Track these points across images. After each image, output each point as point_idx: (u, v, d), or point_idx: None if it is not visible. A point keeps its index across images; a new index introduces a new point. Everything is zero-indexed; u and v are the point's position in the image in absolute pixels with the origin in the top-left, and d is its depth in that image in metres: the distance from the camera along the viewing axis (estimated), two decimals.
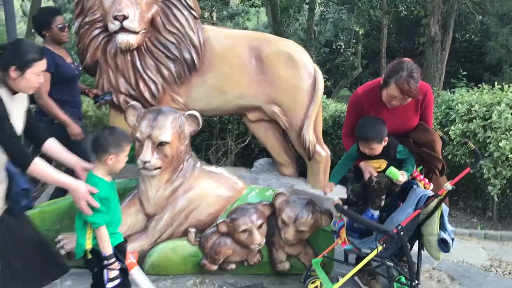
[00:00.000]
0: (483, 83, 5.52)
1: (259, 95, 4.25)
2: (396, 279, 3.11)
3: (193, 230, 3.24)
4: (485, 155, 4.76)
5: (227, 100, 4.30)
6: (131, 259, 2.69)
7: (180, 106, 4.29)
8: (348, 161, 3.14)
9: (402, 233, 2.73)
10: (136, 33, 4.01)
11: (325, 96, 5.74)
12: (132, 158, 4.27)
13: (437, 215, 2.85)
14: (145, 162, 3.07)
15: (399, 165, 2.93)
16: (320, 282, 2.95)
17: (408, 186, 3.03)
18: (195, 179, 3.28)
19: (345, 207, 3.04)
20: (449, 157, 4.95)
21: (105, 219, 2.35)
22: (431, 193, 2.85)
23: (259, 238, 3.05)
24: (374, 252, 2.78)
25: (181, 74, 4.26)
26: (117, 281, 2.36)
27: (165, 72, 4.23)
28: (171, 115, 3.17)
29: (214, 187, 3.29)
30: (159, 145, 3.10)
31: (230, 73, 4.23)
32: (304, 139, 4.23)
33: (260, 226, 3.09)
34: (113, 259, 2.35)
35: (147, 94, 4.27)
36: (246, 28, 15.70)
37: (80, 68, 3.87)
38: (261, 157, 5.52)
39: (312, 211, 3.09)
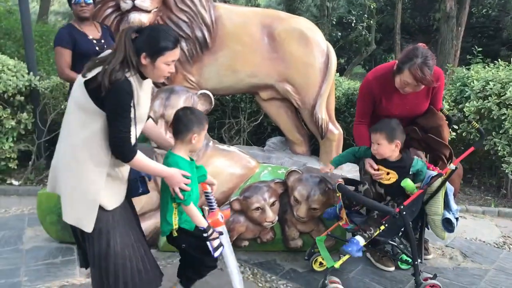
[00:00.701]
0: (499, 59, 5.40)
1: (271, 74, 4.22)
2: (399, 257, 3.10)
3: (207, 208, 3.26)
4: (500, 132, 4.69)
5: (239, 78, 4.28)
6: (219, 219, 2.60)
7: (192, 85, 4.28)
8: (352, 155, 3.06)
9: (404, 212, 2.72)
10: (148, 12, 3.98)
11: (338, 74, 5.68)
12: (145, 137, 4.35)
13: (441, 194, 2.82)
14: None
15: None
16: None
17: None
18: (208, 158, 3.29)
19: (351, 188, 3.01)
20: (463, 134, 4.90)
21: (192, 197, 2.35)
22: (435, 173, 2.82)
23: (271, 216, 3.07)
24: (377, 232, 2.76)
25: (193, 53, 4.24)
26: (221, 249, 2.37)
27: None
28: (184, 94, 3.18)
29: (227, 166, 3.31)
30: None
31: (242, 51, 4.20)
32: (316, 117, 4.21)
33: (272, 204, 3.11)
34: (211, 230, 2.35)
35: None
36: (258, 5, 15.50)
37: (106, 45, 3.82)
38: (274, 135, 5.52)
39: (324, 189, 3.10)
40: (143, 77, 2.15)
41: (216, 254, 2.35)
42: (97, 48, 3.75)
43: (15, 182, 4.98)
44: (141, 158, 2.13)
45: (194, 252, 2.48)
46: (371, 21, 11.15)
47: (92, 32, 3.80)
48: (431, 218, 2.91)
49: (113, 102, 1.99)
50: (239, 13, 4.29)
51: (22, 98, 4.98)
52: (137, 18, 3.98)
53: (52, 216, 3.35)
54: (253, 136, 5.73)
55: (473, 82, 4.98)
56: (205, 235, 2.34)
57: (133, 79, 2.04)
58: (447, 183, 2.82)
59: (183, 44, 4.19)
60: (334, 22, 12.37)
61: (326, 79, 4.19)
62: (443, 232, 2.88)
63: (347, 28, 13.09)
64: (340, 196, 2.91)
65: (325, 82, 4.19)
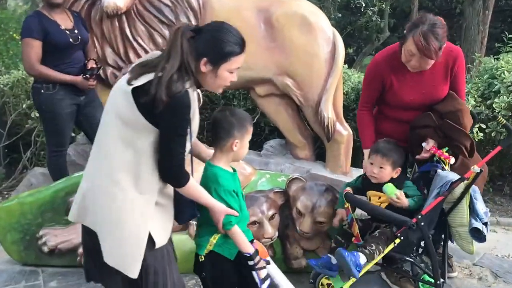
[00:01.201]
0: None
1: (268, 66, 4.23)
2: (420, 278, 3.11)
3: (194, 222, 3.26)
4: None
5: None
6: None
7: None
8: (356, 189, 3.11)
9: (422, 223, 2.73)
10: None
11: (346, 65, 5.71)
12: None
13: (465, 202, 2.82)
14: None
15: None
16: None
17: (431, 171, 3.03)
18: (198, 163, 3.29)
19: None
20: (493, 134, 4.93)
21: (237, 217, 2.23)
22: (455, 178, 2.83)
23: (270, 231, 3.07)
24: (391, 246, 2.76)
25: None
26: (269, 280, 2.28)
27: (159, 40, 4.22)
28: None
29: None
30: None
31: None
32: (322, 116, 4.22)
33: (271, 217, 3.11)
34: (258, 257, 2.25)
35: None
36: None
37: (80, 36, 3.83)
38: (272, 137, 5.53)
39: (331, 199, 3.11)
40: (199, 86, 2.05)
41: (264, 287, 2.25)
42: (70, 39, 3.75)
43: None
44: (194, 184, 2.05)
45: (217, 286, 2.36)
46: (384, 5, 11.20)
47: (64, 21, 3.80)
48: (455, 230, 2.92)
49: (171, 119, 1.88)
50: None
51: None
52: (111, 2, 3.98)
53: (14, 234, 3.35)
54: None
55: (504, 74, 5.01)
56: (251, 263, 2.22)
57: (191, 90, 1.94)
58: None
59: (165, 31, 4.21)
60: (339, 5, 12.42)
61: (333, 72, 4.20)
62: (471, 245, 2.89)
63: (356, 12, 13.15)
64: (350, 207, 2.93)
65: (331, 75, 4.20)
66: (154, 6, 4.17)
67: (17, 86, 5.20)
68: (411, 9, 9.60)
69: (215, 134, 2.29)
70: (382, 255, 2.76)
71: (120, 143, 1.91)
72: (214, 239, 2.29)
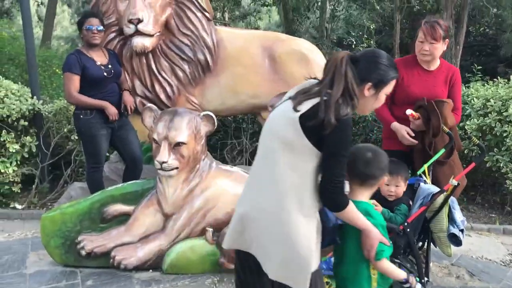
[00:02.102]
0: (498, 77, 5.44)
1: (272, 94, 4.23)
2: None
3: (210, 229, 3.26)
4: (502, 149, 4.70)
5: (241, 100, 4.31)
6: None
7: (195, 107, 4.32)
8: None
9: (408, 229, 2.70)
10: (151, 36, 4.06)
11: None
12: (149, 159, 4.36)
13: (445, 211, 2.78)
14: (163, 163, 3.11)
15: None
16: None
17: (415, 184, 2.98)
18: (212, 178, 3.31)
19: None
20: (465, 151, 4.90)
21: (389, 248, 1.99)
22: (437, 190, 2.79)
23: None
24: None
25: (196, 75, 4.29)
26: None
27: (180, 74, 4.27)
28: (187, 116, 3.21)
29: (230, 186, 3.31)
30: (176, 146, 3.14)
31: (243, 73, 4.25)
32: None
33: None
34: (411, 276, 2.03)
35: (162, 96, 4.31)
36: (258, 28, 15.73)
37: (113, 71, 3.87)
38: None
39: None
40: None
41: None
42: (104, 73, 3.79)
43: (18, 206, 4.98)
44: (352, 207, 1.82)
45: None
46: (371, 42, 11.27)
47: (100, 57, 3.85)
48: (436, 236, 2.89)
49: (338, 140, 1.72)
50: (240, 36, 4.35)
51: (26, 123, 5.02)
52: (140, 43, 4.05)
53: (56, 240, 3.34)
54: (255, 156, 5.74)
55: (474, 100, 5.01)
56: (407, 286, 2.01)
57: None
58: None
59: (185, 67, 4.25)
60: (334, 42, 12.51)
61: None
62: (449, 248, 2.86)
63: (346, 48, 13.25)
64: None
65: None
66: (175, 45, 4.22)
67: (60, 113, 5.23)
68: (393, 45, 9.64)
69: (365, 171, 2.02)
70: None
71: (287, 168, 1.76)
72: (375, 279, 2.02)
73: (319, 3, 13.40)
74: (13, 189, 4.97)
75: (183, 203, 3.28)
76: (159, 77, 4.27)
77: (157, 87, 4.29)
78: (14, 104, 4.87)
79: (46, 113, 5.24)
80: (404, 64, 3.31)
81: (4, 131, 4.88)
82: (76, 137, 5.13)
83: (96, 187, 4.01)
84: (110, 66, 3.88)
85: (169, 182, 3.25)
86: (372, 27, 11.59)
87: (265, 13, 19.15)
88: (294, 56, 4.19)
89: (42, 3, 16.64)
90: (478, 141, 3.00)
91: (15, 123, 4.96)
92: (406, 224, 2.69)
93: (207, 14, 4.22)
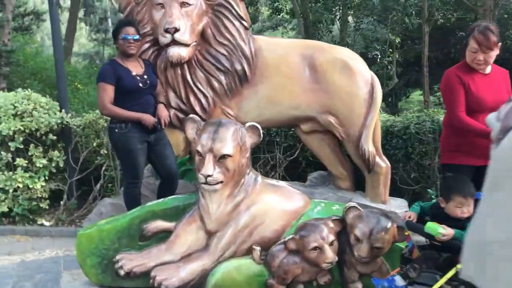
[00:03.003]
0: None
1: (313, 105, 4.09)
2: None
3: (258, 247, 3.06)
4: None
5: (280, 111, 4.14)
6: None
7: (231, 119, 4.16)
8: (419, 207, 2.95)
9: None
10: (187, 45, 3.94)
11: None
12: (183, 173, 4.20)
13: None
14: (208, 176, 2.94)
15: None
16: None
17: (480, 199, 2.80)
18: (258, 194, 3.12)
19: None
20: None
21: None
22: None
23: (331, 256, 2.85)
24: (453, 271, 2.49)
25: (232, 86, 4.14)
26: None
27: (216, 85, 4.13)
28: (232, 126, 3.05)
29: (278, 202, 3.13)
30: (221, 158, 2.97)
31: (283, 83, 4.08)
32: (363, 150, 4.02)
33: (331, 243, 2.89)
34: None
35: (197, 108, 4.17)
36: None
37: (149, 81, 3.74)
38: (309, 170, 5.33)
39: (388, 226, 2.87)
40: None
41: None
42: (140, 84, 3.66)
43: (46, 223, 4.84)
44: None
45: None
46: (396, 55, 11.10)
47: (136, 68, 3.72)
48: None
49: None
50: (279, 45, 4.21)
51: (54, 137, 4.91)
52: (176, 52, 3.93)
53: (93, 259, 3.18)
54: (286, 171, 5.55)
55: None
56: None
57: None
58: None
59: (222, 77, 4.11)
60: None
61: (372, 110, 4.02)
62: None
63: (370, 62, 13.09)
64: (410, 234, 2.71)
65: (370, 112, 4.02)
66: (212, 55, 4.09)
67: (88, 127, 5.12)
68: (422, 58, 9.44)
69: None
70: (444, 280, 2.51)
71: None
72: None
73: (340, 17, 13.32)
74: (41, 205, 4.85)
75: (227, 220, 3.09)
76: (194, 88, 4.13)
77: (192, 98, 4.15)
78: (42, 118, 4.77)
79: (75, 127, 5.13)
80: (463, 72, 3.20)
81: (31, 145, 4.78)
82: (105, 152, 5.01)
83: (134, 203, 3.85)
84: (145, 76, 3.75)
85: (212, 197, 3.07)
86: (397, 41, 11.42)
87: (280, 32, 19.09)
88: (336, 65, 4.02)
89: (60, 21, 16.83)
90: None
91: (43, 137, 4.85)
92: None
93: (244, 22, 4.09)
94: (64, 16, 22.64)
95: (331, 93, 4.03)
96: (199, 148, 3.01)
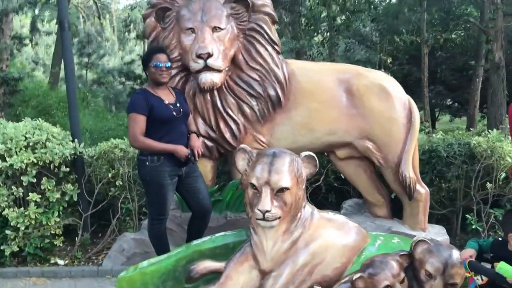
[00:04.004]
0: None
1: (350, 131, 3.94)
2: None
3: (318, 287, 2.83)
4: None
5: (316, 137, 3.98)
6: None
7: (262, 146, 3.98)
8: (477, 244, 2.78)
9: None
10: (220, 71, 3.76)
11: None
12: (212, 204, 3.96)
13: None
14: (266, 212, 2.71)
15: None
16: None
17: None
18: (316, 229, 2.91)
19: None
20: None
21: None
22: None
23: None
24: None
25: (265, 112, 3.97)
26: None
27: (247, 111, 3.95)
28: (288, 157, 2.84)
29: (338, 237, 2.92)
30: (278, 192, 2.75)
31: (318, 108, 3.93)
32: (404, 176, 3.87)
33: (402, 281, 2.69)
34: None
35: (228, 135, 3.98)
36: None
37: (182, 110, 3.52)
38: (329, 196, 5.16)
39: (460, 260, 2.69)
40: None
41: None
42: (174, 113, 3.44)
43: (61, 262, 4.50)
44: None
45: None
46: (388, 73, 11.14)
47: (167, 96, 3.50)
48: None
49: None
50: (314, 69, 4.07)
51: (67, 169, 4.61)
52: (209, 78, 3.75)
53: None
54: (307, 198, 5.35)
55: None
56: None
57: None
58: None
59: (254, 103, 3.94)
60: None
61: (411, 135, 3.90)
62: None
63: None
64: (473, 275, 2.54)
65: (409, 137, 3.90)
66: (243, 80, 3.92)
67: (102, 158, 4.81)
68: (422, 78, 9.47)
69: None
70: None
71: None
72: None
73: (328, 39, 13.35)
74: (55, 243, 4.50)
75: (284, 258, 2.86)
76: (225, 114, 3.95)
77: (222, 125, 3.96)
78: (56, 149, 4.47)
79: (87, 158, 4.83)
80: None
81: (44, 178, 4.46)
82: (121, 183, 4.72)
83: (160, 241, 3.63)
84: (178, 105, 3.53)
85: (267, 233, 2.84)
86: (388, 61, 11.48)
87: None
88: (374, 90, 3.90)
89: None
90: None
91: (56, 169, 4.55)
92: None
93: (276, 47, 3.94)
94: (43, 40, 22.23)
95: (369, 118, 3.90)
96: (253, 181, 2.79)
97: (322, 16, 11.66)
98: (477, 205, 4.50)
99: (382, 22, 9.25)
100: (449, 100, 14.98)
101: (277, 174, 2.76)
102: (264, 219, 2.74)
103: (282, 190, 2.75)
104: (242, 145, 2.99)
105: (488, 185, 4.36)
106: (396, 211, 4.26)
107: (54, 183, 4.52)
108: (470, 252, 2.69)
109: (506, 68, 6.68)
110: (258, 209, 2.73)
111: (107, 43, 22.86)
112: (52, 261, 4.49)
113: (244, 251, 2.95)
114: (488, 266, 2.64)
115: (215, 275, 2.93)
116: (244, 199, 2.95)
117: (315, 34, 12.70)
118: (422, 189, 4.02)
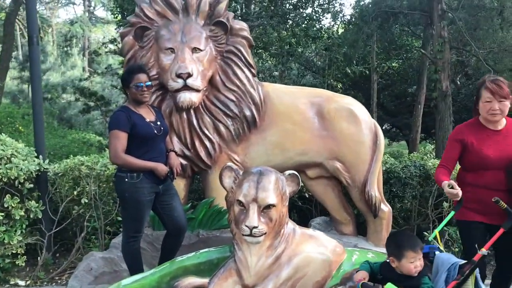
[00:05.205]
0: None
1: (321, 151, 4.13)
2: None
3: None
4: None
5: (288, 157, 4.13)
6: None
7: (236, 165, 4.06)
8: (369, 266, 2.84)
9: None
10: (198, 91, 3.84)
11: None
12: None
13: (471, 282, 2.62)
14: (253, 228, 2.81)
15: None
16: None
17: (430, 253, 2.85)
18: (298, 244, 3.03)
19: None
20: None
21: None
22: (461, 261, 2.66)
23: None
24: None
25: (240, 132, 4.08)
26: None
27: (223, 130, 4.04)
28: (273, 175, 2.97)
29: (319, 252, 3.05)
30: (265, 209, 2.86)
31: (292, 129, 4.10)
32: (370, 195, 4.09)
33: None
34: None
35: (203, 154, 4.05)
36: None
37: (162, 128, 3.55)
38: (292, 215, 5.31)
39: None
40: None
41: None
42: (155, 131, 3.46)
43: (21, 283, 4.30)
44: None
45: None
46: None
47: (148, 114, 3.53)
48: None
49: None
50: (287, 92, 4.24)
51: (32, 185, 4.46)
52: (187, 98, 3.82)
53: None
54: None
55: None
56: None
57: None
58: None
59: (229, 123, 4.04)
60: None
61: (376, 156, 4.14)
62: None
63: None
64: None
65: (375, 159, 4.14)
66: (220, 101, 4.02)
67: (68, 174, 4.69)
68: (371, 104, 9.96)
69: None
70: None
71: None
72: None
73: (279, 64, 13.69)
74: (17, 262, 4.30)
75: (268, 273, 2.95)
76: (200, 133, 4.02)
77: (197, 144, 4.02)
78: (21, 164, 4.32)
79: (51, 175, 4.69)
80: (469, 128, 3.20)
81: (7, 196, 4.29)
82: (86, 201, 4.62)
83: (135, 259, 3.60)
84: (159, 123, 3.57)
85: (252, 249, 2.93)
86: (339, 86, 12.01)
87: None
88: (343, 113, 4.12)
89: None
90: (505, 206, 2.81)
91: (20, 185, 4.39)
92: None
93: (252, 70, 4.09)
94: None
95: (339, 140, 4.10)
96: (241, 198, 2.88)
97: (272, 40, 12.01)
98: (433, 223, 4.81)
99: (335, 51, 9.69)
100: (388, 124, 15.71)
101: (264, 191, 2.87)
102: (251, 235, 2.83)
103: (268, 207, 2.86)
104: (228, 164, 3.08)
105: (445, 204, 4.68)
106: (358, 228, 4.48)
107: (18, 200, 4.35)
108: (363, 275, 2.74)
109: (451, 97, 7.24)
110: (246, 225, 2.82)
111: (49, 57, 22.15)
112: (12, 282, 4.28)
113: (228, 267, 3.01)
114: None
115: None
116: (229, 216, 3.03)
117: (270, 57, 13.01)
118: (386, 208, 4.26)
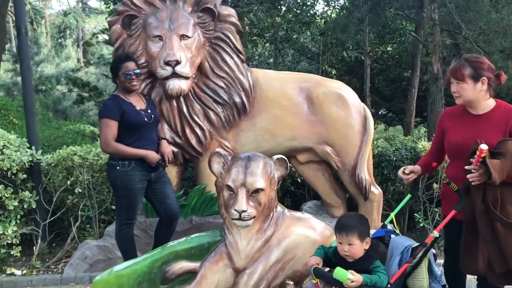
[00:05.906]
0: None
1: (310, 136, 4.16)
2: None
3: (291, 282, 2.99)
4: None
5: (278, 142, 4.17)
6: None
7: (228, 152, 4.09)
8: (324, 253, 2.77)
9: None
10: (187, 78, 3.86)
11: None
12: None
13: (424, 265, 2.59)
14: (242, 212, 2.84)
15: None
16: None
17: (386, 236, 2.82)
18: (287, 227, 3.07)
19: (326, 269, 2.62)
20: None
21: None
22: (414, 243, 2.60)
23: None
24: None
25: (230, 119, 4.11)
26: None
27: (213, 117, 4.07)
28: (261, 160, 2.99)
29: (307, 234, 3.08)
30: (254, 193, 2.89)
31: (281, 115, 4.13)
32: (360, 178, 4.14)
33: None
34: None
35: (193, 141, 4.08)
36: None
37: (153, 116, 3.56)
38: (285, 200, 5.36)
39: None
40: None
41: None
42: (145, 119, 3.48)
43: (18, 272, 4.34)
44: None
45: None
46: None
47: (138, 102, 3.54)
48: None
49: None
50: (277, 78, 4.26)
51: (25, 176, 4.48)
52: (177, 85, 3.84)
53: None
54: None
55: None
56: None
57: None
58: None
59: (219, 110, 4.07)
60: None
61: (366, 140, 4.18)
62: None
63: None
64: (319, 282, 2.57)
65: (364, 142, 4.18)
66: (210, 88, 4.04)
67: (61, 164, 4.71)
68: (364, 88, 9.99)
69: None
70: None
71: None
72: None
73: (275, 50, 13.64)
74: (12, 252, 4.35)
75: (258, 256, 2.99)
76: (191, 121, 4.04)
77: (188, 131, 4.05)
78: (14, 155, 4.34)
79: (44, 165, 4.71)
80: (450, 114, 2.97)
81: (1, 186, 4.32)
82: (80, 190, 4.65)
83: (129, 246, 3.65)
84: (149, 111, 3.59)
85: (242, 233, 2.97)
86: (333, 73, 12.00)
87: None
88: (332, 98, 4.15)
89: None
90: (457, 187, 2.70)
91: (13, 176, 4.41)
92: (389, 285, 2.45)
93: (241, 56, 4.10)
94: None
95: (328, 124, 4.14)
96: (230, 183, 2.91)
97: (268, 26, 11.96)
98: (424, 205, 4.87)
99: (329, 36, 9.66)
100: (384, 109, 15.67)
101: (252, 176, 2.90)
102: (240, 218, 2.86)
103: (257, 191, 2.89)
104: (217, 149, 3.10)
105: (435, 185, 4.74)
106: (350, 211, 4.53)
107: (11, 190, 4.37)
108: (316, 260, 2.66)
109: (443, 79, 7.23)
110: (235, 210, 2.85)
111: (42, 49, 21.99)
112: (8, 272, 4.33)
113: (218, 251, 3.05)
114: None
115: (191, 275, 3.00)
116: (219, 200, 3.06)
117: (264, 43, 12.97)
118: (376, 190, 4.31)
